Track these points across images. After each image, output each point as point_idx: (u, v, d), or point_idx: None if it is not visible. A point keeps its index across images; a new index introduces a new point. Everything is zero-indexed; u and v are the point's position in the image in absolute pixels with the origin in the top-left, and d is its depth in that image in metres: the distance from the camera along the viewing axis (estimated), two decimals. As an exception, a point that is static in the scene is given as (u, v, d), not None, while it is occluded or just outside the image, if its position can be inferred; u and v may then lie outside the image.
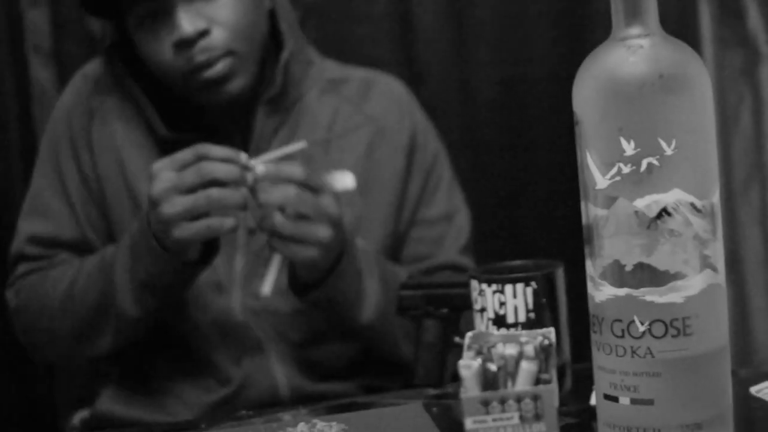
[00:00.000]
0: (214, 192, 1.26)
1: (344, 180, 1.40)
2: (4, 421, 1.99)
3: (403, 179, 1.54)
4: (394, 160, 1.54)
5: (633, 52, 0.83)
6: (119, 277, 1.38)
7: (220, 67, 1.41)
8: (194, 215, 1.27)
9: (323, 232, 1.30)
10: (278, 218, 1.29)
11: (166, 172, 1.28)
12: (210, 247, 1.36)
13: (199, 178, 1.27)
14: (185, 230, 1.28)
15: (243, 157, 1.29)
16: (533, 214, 2.01)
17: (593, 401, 0.89)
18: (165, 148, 1.45)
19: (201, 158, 1.28)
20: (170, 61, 1.42)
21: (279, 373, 1.46)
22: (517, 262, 1.14)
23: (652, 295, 0.83)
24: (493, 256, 1.23)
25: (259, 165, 1.30)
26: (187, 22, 1.39)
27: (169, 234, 1.28)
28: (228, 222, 1.29)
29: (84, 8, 1.50)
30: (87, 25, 1.93)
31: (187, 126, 1.49)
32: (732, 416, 0.87)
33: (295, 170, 1.29)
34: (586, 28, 1.99)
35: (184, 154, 1.29)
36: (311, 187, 1.30)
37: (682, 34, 0.87)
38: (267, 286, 1.40)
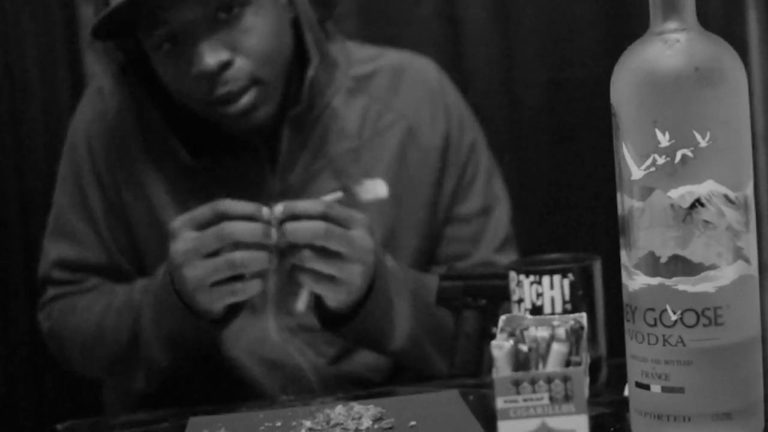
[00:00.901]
0: (238, 256, 1.21)
1: (376, 189, 1.39)
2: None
3: (437, 180, 1.50)
4: (428, 161, 1.50)
5: (669, 46, 0.85)
6: (146, 329, 1.35)
7: (245, 101, 1.35)
8: (217, 280, 1.23)
9: (356, 270, 1.24)
10: (308, 256, 1.22)
11: (186, 232, 1.23)
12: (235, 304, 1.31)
13: (220, 242, 1.21)
14: (209, 296, 1.24)
15: (265, 211, 1.22)
16: (578, 216, 2.01)
17: (627, 393, 0.90)
18: (189, 174, 1.44)
19: (221, 216, 1.22)
20: (191, 89, 1.36)
21: (315, 388, 1.45)
22: (556, 255, 1.15)
23: (684, 285, 0.84)
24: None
25: (277, 210, 1.23)
26: (209, 54, 1.32)
27: (193, 297, 1.25)
28: (253, 288, 1.25)
29: (96, 37, 1.39)
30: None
31: (210, 147, 1.45)
32: (763, 407, 0.88)
33: (322, 205, 1.22)
34: (632, 31, 1.99)
35: (204, 212, 1.23)
36: (341, 222, 1.23)
37: (728, 36, 0.88)
38: (301, 303, 1.41)
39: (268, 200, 1.39)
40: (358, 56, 1.53)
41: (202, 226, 1.23)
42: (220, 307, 1.26)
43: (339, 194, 1.27)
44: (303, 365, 1.45)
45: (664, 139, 0.83)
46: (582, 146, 2.01)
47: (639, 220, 0.86)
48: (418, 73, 1.55)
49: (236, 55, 1.34)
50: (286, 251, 1.23)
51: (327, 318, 1.32)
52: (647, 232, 0.86)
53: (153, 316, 1.34)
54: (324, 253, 1.21)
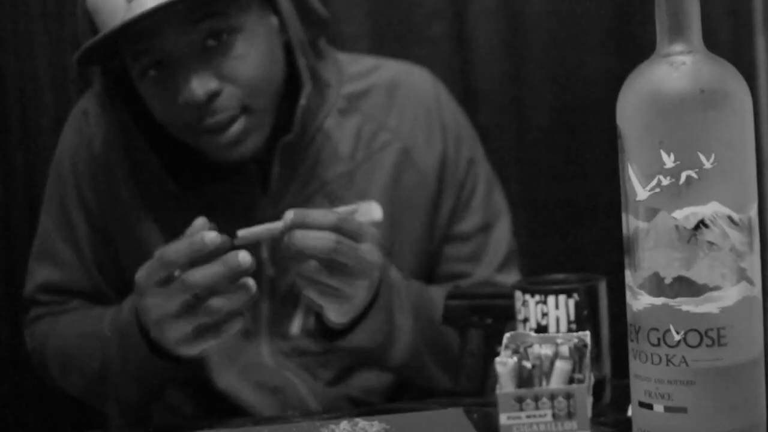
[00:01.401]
0: (214, 304, 1.14)
1: (371, 212, 1.37)
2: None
3: (434, 200, 1.47)
4: (424, 182, 1.47)
5: (676, 68, 0.86)
6: (113, 364, 1.33)
7: (234, 130, 1.32)
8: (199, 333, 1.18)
9: (361, 285, 1.21)
10: (314, 267, 1.17)
11: (152, 297, 1.18)
12: None
13: (188, 295, 1.15)
14: (190, 346, 1.19)
15: (209, 238, 1.14)
16: (586, 237, 2.01)
17: (630, 412, 0.91)
18: (177, 200, 1.41)
19: (172, 266, 1.16)
20: (180, 119, 1.33)
21: (314, 411, 1.42)
22: (561, 275, 1.16)
23: (688, 305, 0.85)
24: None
25: (288, 217, 1.17)
26: (197, 83, 1.29)
27: (175, 350, 1.21)
28: (233, 329, 1.18)
29: (80, 63, 1.35)
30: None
31: (198, 173, 1.42)
32: (765, 427, 0.88)
33: (335, 217, 1.17)
34: (641, 55, 2.00)
35: (157, 268, 1.16)
36: (352, 235, 1.18)
37: (736, 60, 0.89)
38: (295, 327, 1.41)
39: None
40: (350, 72, 1.49)
41: (164, 284, 1.16)
42: (200, 350, 1.22)
43: (354, 207, 1.22)
44: (300, 388, 1.44)
45: (669, 161, 0.84)
46: (588, 166, 2.01)
47: (644, 241, 0.87)
48: (414, 90, 1.51)
49: (225, 84, 1.31)
50: (290, 260, 1.18)
51: (325, 330, 1.29)
52: (652, 253, 0.87)
53: (119, 353, 1.30)
54: (330, 265, 1.17)
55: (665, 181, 0.85)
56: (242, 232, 1.17)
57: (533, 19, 2.02)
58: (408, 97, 1.48)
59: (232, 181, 1.41)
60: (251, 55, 1.32)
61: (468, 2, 2.02)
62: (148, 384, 1.33)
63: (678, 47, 0.87)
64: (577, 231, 2.02)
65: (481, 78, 2.03)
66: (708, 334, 0.85)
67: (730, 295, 0.85)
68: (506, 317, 1.20)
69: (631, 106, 0.87)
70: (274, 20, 1.38)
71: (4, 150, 2.00)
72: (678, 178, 0.84)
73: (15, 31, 1.97)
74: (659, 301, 0.86)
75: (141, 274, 1.19)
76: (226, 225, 1.31)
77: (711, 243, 0.85)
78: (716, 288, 0.85)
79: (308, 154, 1.42)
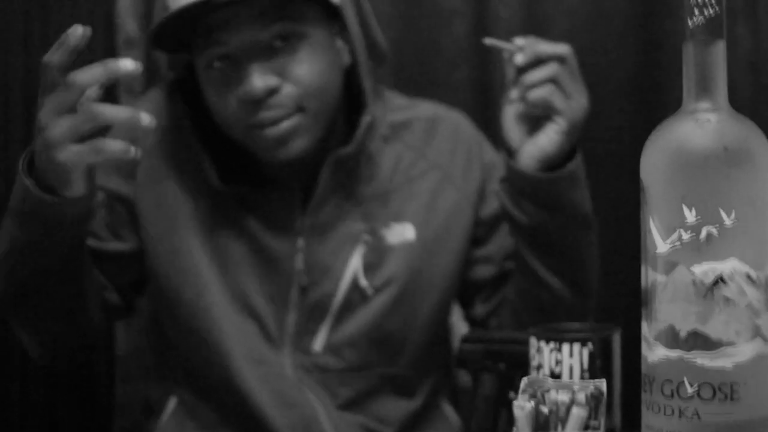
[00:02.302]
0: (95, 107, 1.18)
1: (403, 232, 1.43)
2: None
3: (469, 231, 1.52)
4: (461, 211, 1.52)
5: (701, 126, 0.87)
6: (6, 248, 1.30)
7: (284, 126, 1.37)
8: (80, 135, 1.18)
9: (581, 105, 1.38)
10: (549, 89, 1.35)
11: (55, 119, 1.18)
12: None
13: (93, 122, 1.18)
14: (70, 154, 1.18)
15: (124, 63, 1.18)
16: (603, 287, 2.01)
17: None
18: (217, 200, 1.45)
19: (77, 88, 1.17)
20: (233, 112, 1.38)
21: (327, 430, 1.45)
22: (576, 324, 1.17)
23: (702, 359, 0.86)
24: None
25: (518, 56, 1.36)
26: (258, 78, 1.34)
27: (53, 159, 1.19)
28: (117, 145, 1.18)
29: (154, 44, 1.42)
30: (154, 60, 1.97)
31: (242, 174, 1.46)
32: (774, 484, 0.89)
33: (563, 48, 1.36)
34: (656, 99, 2.02)
35: (64, 92, 1.18)
36: (571, 66, 1.36)
37: (759, 119, 0.90)
38: (318, 343, 1.43)
39: (295, 235, 1.43)
40: (393, 104, 1.56)
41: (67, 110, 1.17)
42: (83, 166, 1.20)
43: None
44: (316, 406, 1.45)
45: (690, 216, 0.85)
46: (608, 217, 2.02)
47: (661, 294, 0.88)
48: (453, 125, 1.58)
49: (285, 82, 1.36)
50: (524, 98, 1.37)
51: (552, 160, 1.40)
52: (669, 306, 0.88)
53: (12, 229, 1.28)
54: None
55: (686, 236, 0.86)
56: (489, 40, 1.40)
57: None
58: (448, 132, 1.55)
59: (273, 189, 1.45)
60: (313, 61, 1.38)
61: (490, 50, 2.04)
62: (40, 255, 1.28)
63: (704, 105, 0.89)
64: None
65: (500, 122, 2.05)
66: (721, 388, 0.85)
67: (745, 351, 0.86)
68: (519, 363, 1.20)
69: (656, 160, 0.89)
70: (339, 43, 1.45)
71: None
72: (699, 233, 0.85)
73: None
74: (674, 353, 0.87)
75: (46, 106, 1.18)
76: (260, 230, 1.41)
77: (728, 299, 0.86)
78: (730, 344, 0.86)
79: (350, 172, 1.47)
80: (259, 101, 1.35)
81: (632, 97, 2.03)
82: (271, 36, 1.36)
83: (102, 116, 1.18)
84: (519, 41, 1.36)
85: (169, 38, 1.40)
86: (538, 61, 1.35)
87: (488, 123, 2.04)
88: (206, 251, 1.44)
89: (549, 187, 1.39)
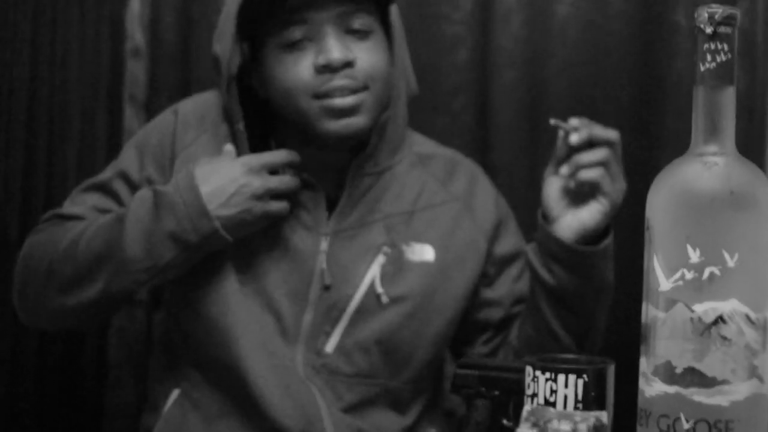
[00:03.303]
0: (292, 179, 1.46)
1: (423, 252, 1.50)
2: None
3: (482, 264, 1.58)
4: (476, 244, 1.58)
5: (708, 168, 0.89)
6: (131, 223, 1.43)
7: (351, 99, 1.45)
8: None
9: (620, 190, 1.47)
10: (600, 172, 1.44)
11: (264, 173, 1.45)
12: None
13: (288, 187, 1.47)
14: (275, 206, 1.44)
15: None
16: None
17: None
18: None
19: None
20: (307, 80, 1.44)
21: (327, 429, 1.48)
22: (571, 355, 1.18)
23: (699, 396, 0.88)
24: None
25: (574, 135, 1.44)
26: (338, 48, 1.44)
27: (256, 207, 1.42)
28: (287, 205, 1.46)
29: (239, 21, 1.48)
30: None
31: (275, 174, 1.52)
32: None
33: (613, 134, 1.44)
34: (653, 131, 2.04)
35: (276, 158, 1.48)
36: (617, 151, 1.45)
37: (764, 164, 0.93)
38: (331, 345, 1.46)
39: (320, 236, 1.50)
40: (417, 140, 1.66)
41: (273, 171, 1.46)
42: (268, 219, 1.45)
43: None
44: (320, 404, 1.48)
45: (694, 256, 0.88)
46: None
47: (660, 330, 0.90)
48: (471, 169, 1.66)
49: (359, 61, 1.46)
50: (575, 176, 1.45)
51: (586, 238, 1.49)
52: (666, 342, 0.90)
53: (152, 210, 1.42)
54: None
55: (689, 275, 0.88)
56: (555, 121, 1.49)
57: (556, 97, 2.06)
58: (467, 174, 1.64)
59: (304, 192, 1.51)
60: (378, 52, 1.49)
61: (491, 77, 2.06)
62: (169, 246, 1.42)
63: (711, 148, 0.91)
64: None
65: (498, 149, 2.06)
66: (717, 425, 0.87)
67: (741, 390, 0.88)
68: (513, 391, 1.22)
69: (662, 199, 0.91)
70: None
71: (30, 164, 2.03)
72: (701, 273, 0.87)
73: (51, 65, 2.01)
74: (672, 389, 0.89)
75: (262, 158, 1.46)
76: (287, 227, 1.50)
77: (725, 338, 0.88)
78: (725, 382, 0.88)
79: (376, 186, 1.55)
80: (334, 70, 1.44)
81: (630, 130, 2.05)
82: (349, 22, 1.46)
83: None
84: (574, 121, 1.45)
85: (253, 12, 1.47)
86: (590, 143, 1.45)
87: (487, 150, 2.06)
88: (234, 244, 1.47)
89: (582, 259, 1.49)
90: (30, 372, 2.01)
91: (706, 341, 0.88)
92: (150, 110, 2.03)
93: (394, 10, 1.54)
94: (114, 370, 1.95)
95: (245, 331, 1.47)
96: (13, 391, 2.00)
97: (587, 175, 1.44)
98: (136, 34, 2.04)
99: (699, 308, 0.88)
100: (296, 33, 1.45)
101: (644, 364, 0.92)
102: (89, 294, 1.46)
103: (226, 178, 1.42)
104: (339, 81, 1.44)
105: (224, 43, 1.49)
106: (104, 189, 1.56)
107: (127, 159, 1.57)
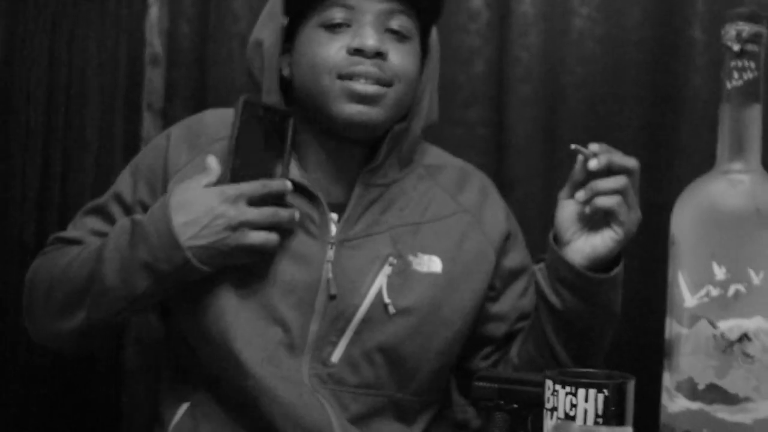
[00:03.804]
0: (282, 212, 1.42)
1: (430, 264, 1.49)
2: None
3: (490, 276, 1.57)
4: (485, 256, 1.57)
5: (734, 186, 0.90)
6: (110, 252, 1.43)
7: (374, 89, 1.45)
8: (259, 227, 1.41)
9: (635, 220, 1.43)
10: (617, 200, 1.41)
11: (243, 203, 1.41)
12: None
13: (271, 222, 1.42)
14: (253, 237, 1.41)
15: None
16: (623, 338, 2.00)
17: None
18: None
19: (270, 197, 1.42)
20: (336, 59, 1.46)
21: None
22: (592, 370, 1.18)
23: (723, 413, 0.88)
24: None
25: (593, 161, 1.40)
26: (374, 36, 1.45)
27: (230, 239, 1.40)
28: (275, 237, 1.43)
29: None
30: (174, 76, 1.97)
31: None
32: None
33: (632, 162, 1.41)
34: (670, 146, 2.04)
35: (256, 189, 1.42)
36: (635, 179, 1.42)
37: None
38: (336, 354, 1.46)
39: (326, 246, 1.49)
40: (429, 151, 1.65)
41: (254, 201, 1.41)
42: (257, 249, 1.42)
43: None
44: (330, 413, 1.47)
45: (720, 273, 0.88)
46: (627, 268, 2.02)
47: (683, 346, 0.90)
48: (483, 181, 1.66)
49: (391, 56, 1.47)
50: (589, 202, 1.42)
51: (596, 266, 1.46)
52: (689, 359, 0.90)
53: (128, 239, 1.43)
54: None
55: (714, 292, 0.88)
56: (575, 146, 1.44)
57: (571, 111, 2.06)
58: (478, 185, 1.64)
59: (313, 198, 1.51)
60: (411, 57, 1.51)
61: (507, 90, 2.06)
62: (145, 275, 1.42)
63: (737, 166, 0.91)
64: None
65: (513, 166, 2.06)
66: (740, 443, 0.88)
67: (764, 408, 0.88)
68: (532, 404, 1.22)
69: (688, 216, 0.91)
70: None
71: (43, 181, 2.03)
72: (727, 290, 0.88)
73: (69, 72, 2.01)
74: (695, 405, 0.89)
75: (240, 188, 1.41)
76: (291, 239, 1.48)
77: (747, 355, 0.88)
78: (748, 399, 0.88)
79: (382, 197, 1.54)
80: (366, 56, 1.45)
81: (645, 144, 2.05)
82: (393, 17, 1.48)
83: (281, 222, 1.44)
84: (594, 147, 1.42)
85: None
86: (609, 170, 1.42)
87: (502, 163, 2.06)
88: None
89: (591, 286, 1.47)
90: (46, 378, 2.01)
91: (728, 358, 0.88)
92: (167, 118, 2.04)
93: (434, 33, 1.56)
94: (130, 377, 1.96)
95: (249, 345, 1.46)
96: (28, 396, 2.01)
97: (604, 202, 1.42)
98: (154, 41, 2.04)
99: (724, 325, 0.88)
100: (338, 15, 1.47)
101: (667, 380, 0.92)
102: (77, 321, 1.48)
103: (201, 208, 1.41)
104: (367, 67, 1.45)
105: (271, 25, 1.53)
106: (102, 212, 1.58)
107: (122, 182, 1.58)
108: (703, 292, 0.89)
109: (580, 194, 1.44)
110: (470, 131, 2.07)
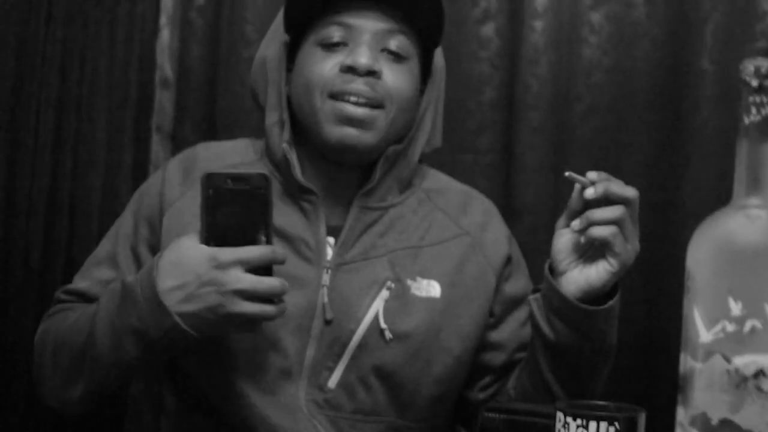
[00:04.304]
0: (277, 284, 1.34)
1: (429, 288, 1.48)
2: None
3: (490, 300, 1.56)
4: (486, 280, 1.56)
5: (752, 221, 0.89)
6: (100, 319, 1.40)
7: (364, 111, 1.45)
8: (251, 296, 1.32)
9: (632, 251, 1.39)
10: (613, 231, 1.36)
11: (237, 269, 1.32)
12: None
13: (271, 293, 1.33)
14: (246, 307, 1.32)
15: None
16: (629, 369, 1.99)
17: None
18: None
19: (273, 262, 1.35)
20: (328, 77, 1.46)
21: None
22: (602, 402, 1.18)
23: (738, 449, 0.87)
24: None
25: (590, 189, 1.37)
26: (367, 55, 1.45)
27: (219, 307, 1.32)
28: (276, 310, 1.34)
29: (288, 12, 1.51)
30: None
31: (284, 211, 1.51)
32: None
33: (632, 192, 1.37)
34: (677, 175, 2.04)
35: (256, 256, 1.33)
36: (634, 210, 1.38)
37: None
38: (333, 380, 1.45)
39: (322, 270, 1.48)
40: (431, 175, 1.64)
41: (252, 269, 1.32)
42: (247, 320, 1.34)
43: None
44: None
45: (736, 308, 0.87)
46: (633, 300, 2.00)
47: (697, 381, 0.90)
48: (485, 206, 1.65)
49: (384, 77, 1.47)
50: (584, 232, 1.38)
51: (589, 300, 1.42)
52: (703, 393, 0.89)
53: (117, 303, 1.38)
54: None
55: (730, 327, 0.88)
56: (569, 173, 1.41)
57: (580, 140, 2.07)
58: (481, 209, 1.63)
59: (309, 226, 1.50)
60: (407, 80, 1.50)
61: (517, 118, 2.07)
62: (135, 341, 1.37)
63: (754, 201, 0.91)
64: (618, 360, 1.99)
65: (521, 194, 2.06)
66: (755, 480, 0.87)
67: (779, 444, 0.88)
68: (542, 436, 1.22)
69: (704, 251, 0.91)
70: (418, 97, 1.55)
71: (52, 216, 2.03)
72: (743, 325, 0.87)
73: (79, 94, 2.01)
74: (709, 441, 0.88)
75: (238, 253, 1.32)
76: (290, 259, 1.43)
77: (761, 390, 0.87)
78: (763, 434, 0.87)
79: (380, 221, 1.53)
80: (358, 74, 1.45)
81: (653, 175, 2.05)
82: (387, 42, 1.48)
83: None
84: (592, 175, 1.39)
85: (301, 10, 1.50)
86: (607, 199, 1.38)
87: (510, 190, 2.06)
88: None
89: (584, 318, 1.43)
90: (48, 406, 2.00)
91: (742, 393, 0.88)
92: (176, 141, 2.05)
93: (438, 55, 1.56)
94: (133, 403, 1.95)
95: (246, 374, 1.46)
96: (33, 422, 2.00)
97: (598, 232, 1.37)
98: (165, 64, 2.05)
99: (739, 361, 0.87)
100: (336, 34, 1.48)
101: (681, 415, 0.92)
102: (80, 390, 1.45)
103: (189, 274, 1.32)
104: (358, 85, 1.45)
105: (274, 43, 1.53)
106: (109, 260, 1.57)
107: (125, 224, 1.57)
108: (718, 327, 0.88)
109: (576, 223, 1.40)
110: (479, 158, 2.08)
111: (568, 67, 2.08)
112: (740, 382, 0.88)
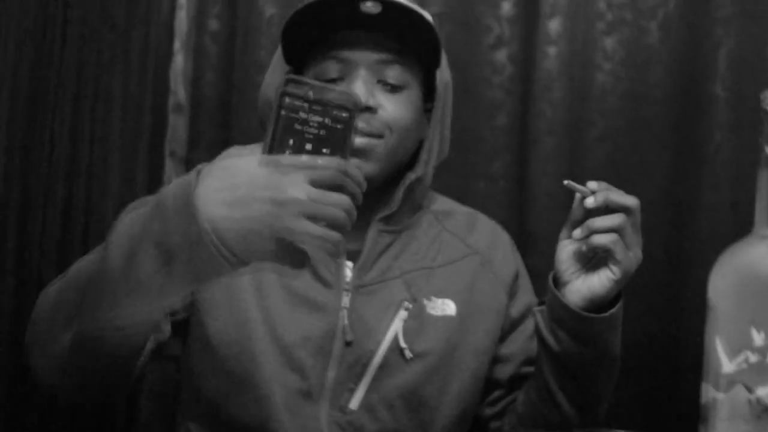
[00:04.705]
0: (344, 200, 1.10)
1: (444, 307, 1.51)
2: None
3: (502, 315, 1.59)
4: (497, 296, 1.59)
5: (774, 251, 0.89)
6: (117, 233, 1.16)
7: (364, 140, 1.45)
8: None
9: (634, 258, 1.39)
10: (613, 239, 1.37)
11: (303, 181, 1.07)
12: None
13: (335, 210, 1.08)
14: (305, 225, 1.06)
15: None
16: (646, 396, 1.99)
17: None
18: None
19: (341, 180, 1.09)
20: None
21: None
22: (617, 431, 1.18)
23: (760, 480, 0.87)
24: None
25: (590, 198, 1.38)
26: (362, 92, 1.45)
27: (275, 220, 1.05)
28: (339, 237, 1.08)
29: (284, 39, 1.48)
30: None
31: None
32: None
33: (632, 200, 1.38)
34: (691, 200, 2.04)
35: (327, 174, 1.08)
36: (635, 218, 1.39)
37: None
38: (355, 401, 1.45)
39: (342, 293, 1.49)
40: (437, 199, 1.67)
41: (316, 183, 1.08)
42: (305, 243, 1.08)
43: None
44: None
45: (759, 339, 0.87)
46: (650, 326, 2.00)
47: (719, 411, 0.89)
48: (492, 225, 1.68)
49: (381, 110, 1.47)
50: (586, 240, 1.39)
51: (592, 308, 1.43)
52: (725, 424, 0.89)
53: (144, 213, 1.13)
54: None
55: (752, 358, 0.87)
56: (568, 182, 1.41)
57: (594, 165, 2.06)
58: (487, 228, 1.66)
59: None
60: (407, 108, 1.50)
61: (531, 143, 2.07)
62: (137, 275, 1.12)
63: (776, 231, 0.91)
64: (634, 387, 2.01)
65: (535, 222, 2.06)
66: None
67: (800, 476, 0.87)
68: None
69: (726, 281, 0.90)
70: (423, 119, 1.56)
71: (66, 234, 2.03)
72: (765, 356, 0.87)
73: (93, 119, 2.02)
74: (733, 472, 0.88)
75: (303, 160, 1.08)
76: (309, 283, 1.47)
77: (784, 420, 0.87)
78: (785, 466, 0.87)
79: (395, 244, 1.55)
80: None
81: (668, 197, 2.05)
82: (383, 73, 1.48)
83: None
84: (592, 184, 1.40)
85: (299, 36, 1.49)
86: (606, 208, 1.39)
87: (524, 216, 2.06)
88: (256, 300, 1.47)
89: (587, 326, 1.44)
90: (62, 427, 2.00)
91: (764, 424, 0.87)
92: (190, 165, 2.04)
93: (440, 75, 1.55)
94: (144, 428, 1.95)
95: (274, 391, 1.45)
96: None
97: (599, 240, 1.38)
98: (179, 89, 2.05)
99: (762, 391, 0.87)
100: (333, 68, 1.48)
101: (703, 446, 0.91)
102: (72, 331, 1.24)
103: (241, 175, 1.07)
104: (357, 123, 1.44)
105: (276, 75, 1.53)
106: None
107: None
108: (741, 357, 0.88)
109: (577, 232, 1.42)
110: (493, 185, 2.08)
111: (581, 93, 2.08)
112: (762, 412, 0.87)
